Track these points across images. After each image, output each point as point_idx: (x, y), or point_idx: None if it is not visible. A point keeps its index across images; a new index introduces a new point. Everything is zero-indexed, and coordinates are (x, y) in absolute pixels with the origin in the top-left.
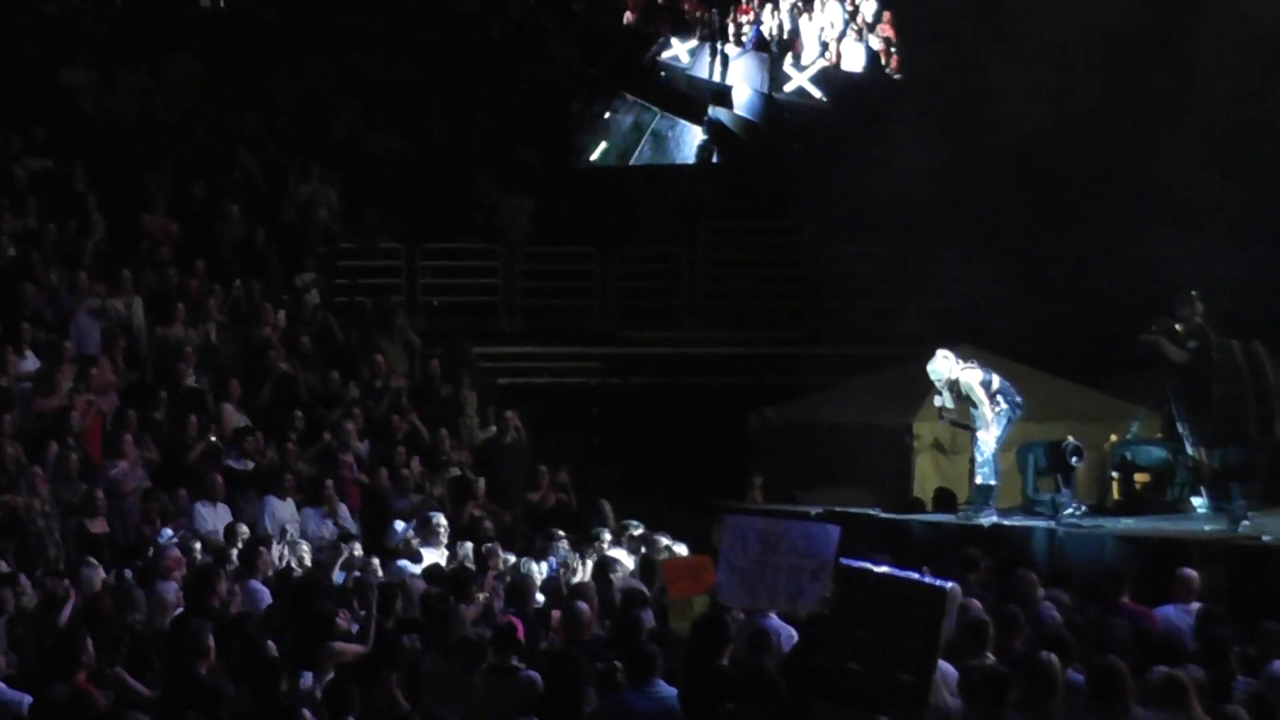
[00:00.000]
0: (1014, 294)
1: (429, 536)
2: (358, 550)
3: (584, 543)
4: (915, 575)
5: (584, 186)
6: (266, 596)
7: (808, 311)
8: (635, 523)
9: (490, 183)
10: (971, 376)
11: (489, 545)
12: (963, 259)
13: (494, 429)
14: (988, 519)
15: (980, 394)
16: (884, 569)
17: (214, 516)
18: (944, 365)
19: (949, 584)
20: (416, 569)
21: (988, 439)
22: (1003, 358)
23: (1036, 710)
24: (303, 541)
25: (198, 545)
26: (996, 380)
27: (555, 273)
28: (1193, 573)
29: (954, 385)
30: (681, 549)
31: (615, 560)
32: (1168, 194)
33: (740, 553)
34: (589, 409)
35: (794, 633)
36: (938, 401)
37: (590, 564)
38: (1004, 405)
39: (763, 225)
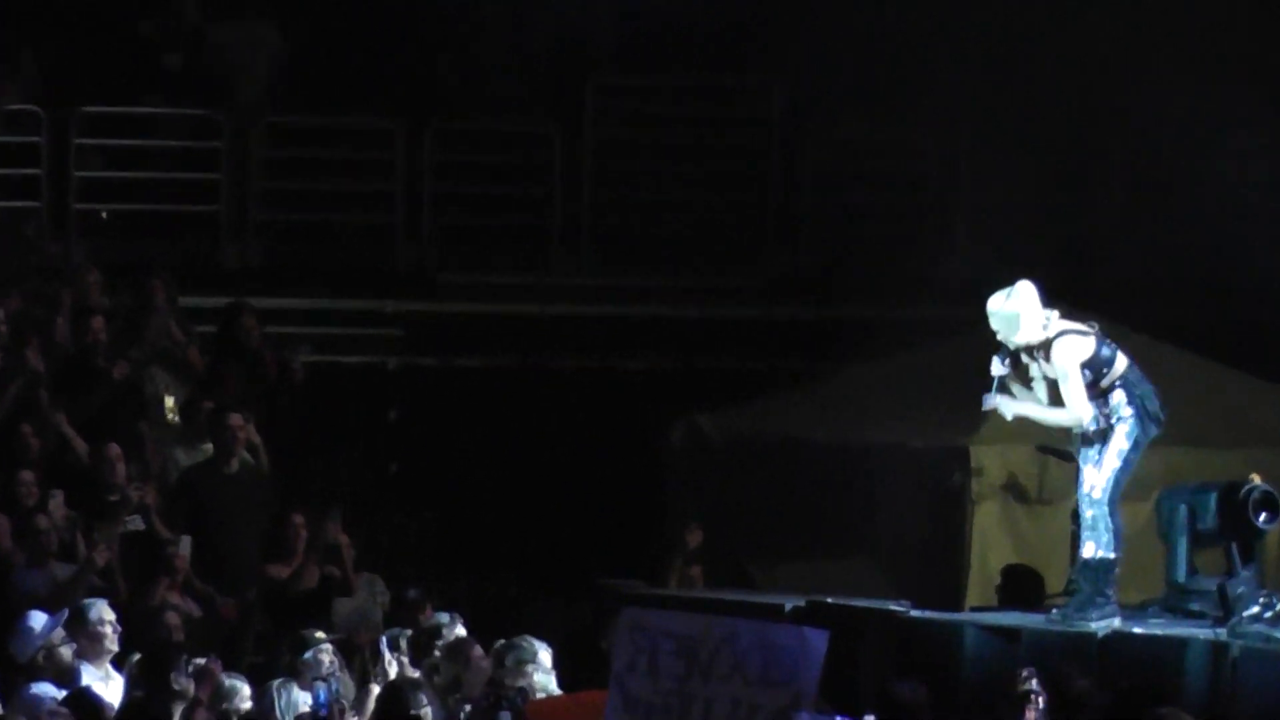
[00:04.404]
0: (1148, 218)
1: (89, 641)
2: None
3: (365, 653)
4: None
5: (379, 9)
6: None
7: (778, 242)
8: (446, 616)
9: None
10: (1073, 345)
11: (200, 662)
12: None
13: (207, 446)
14: (1102, 622)
15: (1080, 383)
16: None
17: None
18: (1026, 308)
19: None
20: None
21: (1100, 475)
22: (1131, 329)
23: None
24: None
25: None
26: (1122, 363)
27: (324, 164)
28: None
29: (1033, 355)
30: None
31: (420, 686)
32: None
33: (647, 675)
34: (383, 410)
35: None
36: (996, 370)
37: (374, 691)
38: (1128, 411)
39: (703, 84)
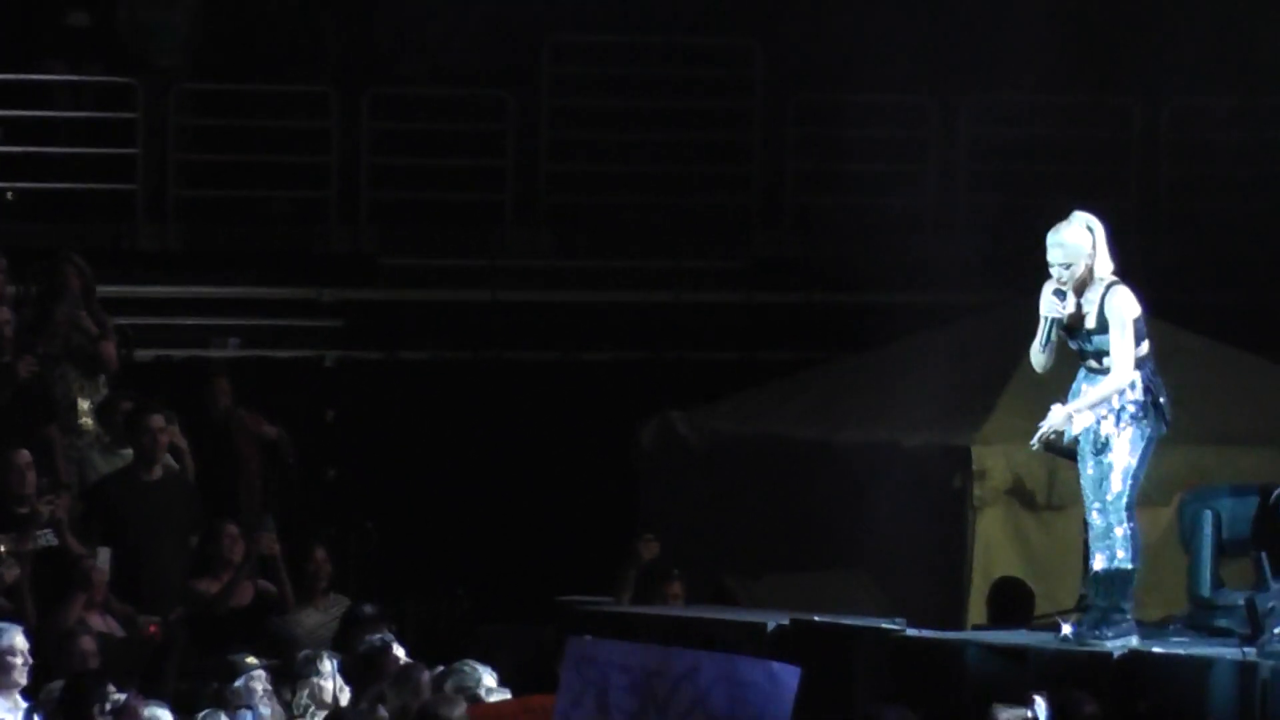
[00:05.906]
0: (1168, 193)
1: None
2: None
3: (294, 679)
4: None
5: None
6: None
7: (759, 219)
8: (378, 638)
9: None
10: (1132, 298)
11: (119, 697)
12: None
13: (128, 452)
14: (1118, 641)
15: (1133, 339)
16: None
17: None
18: (1100, 242)
19: None
20: None
21: (1113, 474)
22: (1151, 314)
23: None
24: None
25: None
26: (1146, 345)
27: (250, 135)
28: None
29: (1082, 294)
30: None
31: (365, 716)
32: None
33: (595, 713)
34: (320, 410)
35: None
36: (1050, 309)
37: None
38: (1143, 397)
39: (674, 44)
